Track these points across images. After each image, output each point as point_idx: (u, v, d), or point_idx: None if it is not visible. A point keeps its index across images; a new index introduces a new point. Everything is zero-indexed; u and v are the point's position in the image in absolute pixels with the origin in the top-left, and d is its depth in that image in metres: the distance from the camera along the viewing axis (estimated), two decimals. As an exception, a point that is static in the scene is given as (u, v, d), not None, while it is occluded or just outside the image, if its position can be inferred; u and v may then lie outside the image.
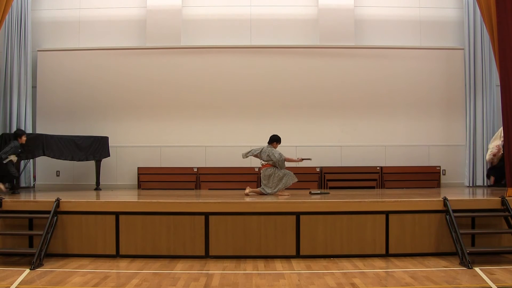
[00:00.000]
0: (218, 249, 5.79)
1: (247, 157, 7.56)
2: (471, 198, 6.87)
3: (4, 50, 9.60)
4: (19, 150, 7.74)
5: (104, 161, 9.45)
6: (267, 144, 7.58)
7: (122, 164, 9.85)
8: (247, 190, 7.39)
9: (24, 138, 7.83)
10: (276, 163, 7.32)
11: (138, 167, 9.74)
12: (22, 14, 9.63)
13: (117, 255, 5.82)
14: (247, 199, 6.47)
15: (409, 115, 9.89)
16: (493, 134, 9.64)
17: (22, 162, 8.84)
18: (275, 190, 7.30)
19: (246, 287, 4.49)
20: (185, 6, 10.03)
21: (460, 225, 5.66)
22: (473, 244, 5.93)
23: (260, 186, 7.49)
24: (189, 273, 5.06)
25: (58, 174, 9.82)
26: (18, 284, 4.53)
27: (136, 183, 9.77)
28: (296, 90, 9.86)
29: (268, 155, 7.37)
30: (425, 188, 9.11)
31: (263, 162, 7.46)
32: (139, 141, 9.88)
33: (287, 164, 7.50)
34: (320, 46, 9.91)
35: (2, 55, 9.62)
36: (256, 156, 7.58)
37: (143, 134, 9.88)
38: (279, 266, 5.35)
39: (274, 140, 7.59)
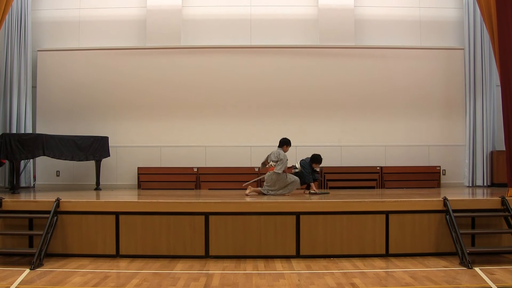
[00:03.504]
0: (218, 249, 5.79)
1: (265, 165, 7.52)
2: (471, 198, 6.87)
3: (4, 50, 9.60)
4: None
5: (104, 161, 9.45)
6: (277, 147, 7.52)
7: (122, 164, 9.85)
8: (248, 191, 7.37)
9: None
10: (278, 163, 7.22)
11: (138, 167, 9.75)
12: (22, 14, 9.63)
13: (117, 255, 5.82)
14: (248, 199, 6.46)
15: (409, 115, 9.89)
16: (493, 134, 9.65)
17: (22, 162, 8.85)
18: (278, 192, 7.28)
19: (246, 287, 4.49)
20: (185, 6, 10.03)
21: (460, 225, 5.66)
22: (473, 244, 5.93)
23: (262, 186, 7.44)
24: (189, 273, 5.06)
25: (58, 174, 9.82)
26: (18, 284, 4.53)
27: (136, 183, 9.77)
28: (296, 90, 9.86)
29: (277, 156, 7.29)
30: (425, 188, 9.12)
31: (272, 164, 7.34)
32: (139, 141, 9.88)
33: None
34: (320, 46, 9.91)
35: (2, 55, 9.63)
36: (265, 162, 7.53)
37: (143, 134, 9.88)
38: (279, 266, 5.35)
39: (284, 143, 7.52)
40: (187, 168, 9.70)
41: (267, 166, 7.45)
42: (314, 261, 5.58)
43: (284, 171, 7.29)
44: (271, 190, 7.27)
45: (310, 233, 5.80)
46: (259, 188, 7.41)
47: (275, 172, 7.22)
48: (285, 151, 7.46)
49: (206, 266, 5.39)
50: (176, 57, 9.92)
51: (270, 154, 7.47)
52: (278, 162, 7.25)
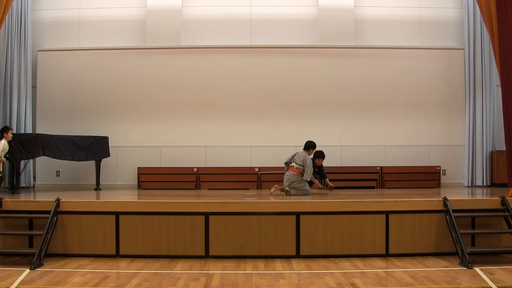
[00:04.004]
0: (218, 249, 5.79)
1: (288, 165, 7.44)
2: (471, 198, 6.88)
3: (4, 50, 9.60)
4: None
5: (104, 161, 9.45)
6: (302, 150, 7.47)
7: (122, 164, 9.85)
8: (272, 189, 7.45)
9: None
10: (306, 169, 7.17)
11: (138, 167, 9.75)
12: (22, 14, 9.63)
13: (117, 255, 5.82)
14: (247, 199, 6.46)
15: (409, 115, 9.89)
16: (493, 134, 9.65)
17: (22, 162, 8.84)
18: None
19: (246, 287, 4.49)
20: (185, 6, 10.03)
21: (460, 225, 5.66)
22: (473, 244, 5.93)
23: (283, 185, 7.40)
24: (189, 273, 5.06)
25: (58, 174, 9.82)
26: (18, 284, 4.53)
27: (136, 183, 9.77)
28: (296, 90, 9.86)
29: (302, 160, 7.23)
30: (425, 188, 9.12)
31: (294, 165, 7.27)
32: (139, 141, 9.88)
33: None
34: (320, 46, 9.91)
35: (2, 55, 9.63)
36: (288, 162, 7.47)
37: (143, 134, 9.88)
38: (279, 266, 5.35)
39: (310, 147, 7.49)
40: (187, 168, 9.70)
41: (290, 166, 7.38)
42: (314, 261, 5.58)
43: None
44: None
45: (310, 233, 5.80)
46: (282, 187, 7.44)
47: (296, 175, 7.17)
48: (309, 154, 7.44)
49: (206, 266, 5.39)
50: (176, 57, 9.92)
51: (294, 155, 7.40)
52: (306, 169, 7.19)
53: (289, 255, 5.77)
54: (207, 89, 9.87)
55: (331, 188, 7.90)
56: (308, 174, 7.19)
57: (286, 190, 7.29)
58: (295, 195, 7.20)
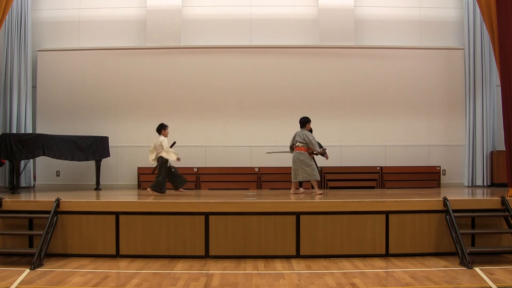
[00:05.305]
0: (218, 249, 5.79)
1: (293, 147, 7.55)
2: (471, 198, 6.87)
3: (4, 50, 9.60)
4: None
5: (104, 161, 9.45)
6: (299, 129, 7.57)
7: (122, 164, 9.85)
8: (298, 190, 7.56)
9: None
10: (310, 144, 7.33)
11: (138, 167, 9.75)
12: (22, 14, 9.64)
13: (117, 255, 5.82)
14: (247, 199, 6.46)
15: (409, 115, 9.89)
16: (493, 134, 9.65)
17: (22, 162, 8.84)
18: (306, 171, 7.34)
19: (246, 287, 4.49)
20: (185, 6, 10.03)
21: (460, 225, 5.66)
22: (473, 244, 5.93)
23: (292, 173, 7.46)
24: (189, 273, 5.06)
25: (58, 174, 9.82)
26: (18, 284, 4.53)
27: (136, 183, 9.77)
28: (296, 90, 9.86)
29: (303, 138, 7.38)
30: (425, 188, 9.12)
31: (298, 144, 7.41)
32: (139, 141, 9.87)
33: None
34: (320, 46, 9.91)
35: (2, 55, 9.63)
36: (292, 145, 7.58)
37: (143, 134, 9.85)
38: (279, 266, 5.35)
39: (306, 122, 7.58)
40: (187, 168, 9.67)
41: (295, 146, 7.49)
42: (314, 261, 5.58)
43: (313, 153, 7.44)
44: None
45: (310, 233, 5.80)
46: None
47: (303, 153, 7.30)
48: (307, 129, 7.55)
49: (206, 266, 5.39)
50: (176, 57, 9.92)
51: (295, 136, 7.52)
52: (310, 144, 7.32)
53: (289, 255, 5.77)
54: (207, 89, 9.88)
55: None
56: (316, 146, 7.35)
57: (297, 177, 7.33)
58: (310, 179, 7.25)
